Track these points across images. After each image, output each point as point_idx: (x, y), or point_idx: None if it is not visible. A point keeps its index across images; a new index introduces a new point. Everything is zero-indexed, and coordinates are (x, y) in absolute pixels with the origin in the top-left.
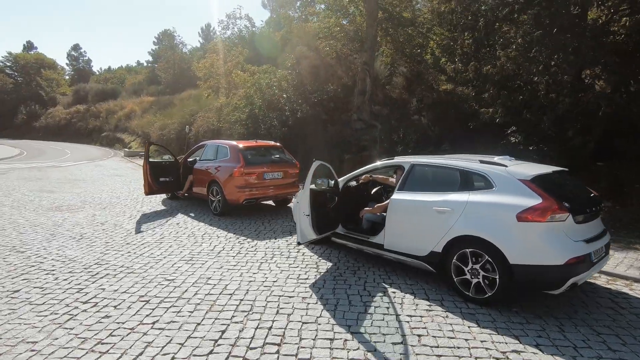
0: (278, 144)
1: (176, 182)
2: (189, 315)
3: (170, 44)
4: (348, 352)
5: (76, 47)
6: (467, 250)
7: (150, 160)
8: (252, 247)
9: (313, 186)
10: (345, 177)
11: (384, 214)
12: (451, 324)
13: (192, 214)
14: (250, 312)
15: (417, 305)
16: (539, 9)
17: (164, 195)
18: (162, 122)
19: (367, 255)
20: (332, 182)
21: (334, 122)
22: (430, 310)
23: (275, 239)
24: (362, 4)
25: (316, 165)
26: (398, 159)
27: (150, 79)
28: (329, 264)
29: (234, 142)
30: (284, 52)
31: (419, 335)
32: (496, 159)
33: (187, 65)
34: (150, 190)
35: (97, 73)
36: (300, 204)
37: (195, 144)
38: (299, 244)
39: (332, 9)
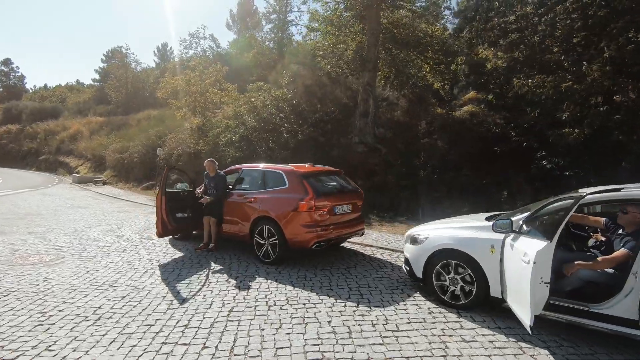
0: (337, 169)
1: (195, 219)
2: None
3: (122, 62)
4: None
5: (7, 62)
6: None
7: (168, 190)
8: (379, 318)
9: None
10: (523, 215)
11: (611, 270)
12: None
13: (232, 263)
14: None
15: None
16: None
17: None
18: (120, 144)
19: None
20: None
21: (331, 145)
22: None
23: (397, 303)
24: (362, 22)
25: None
26: (631, 191)
27: (98, 98)
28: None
29: (289, 167)
30: (275, 71)
31: None
32: None
33: (141, 85)
34: (164, 230)
35: (31, 90)
36: (539, 265)
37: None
38: (531, 329)
39: (335, 25)
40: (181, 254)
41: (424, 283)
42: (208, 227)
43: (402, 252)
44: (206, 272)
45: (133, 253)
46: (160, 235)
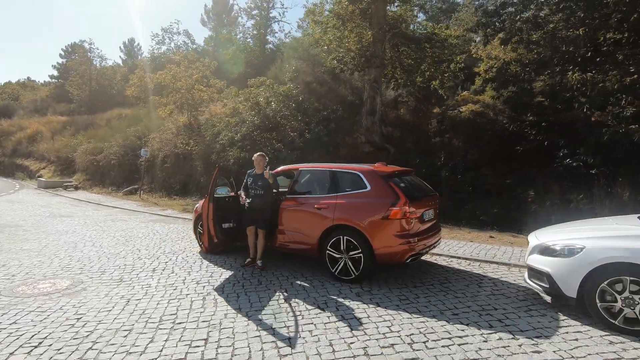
0: (409, 168)
1: (238, 229)
2: None
3: (84, 57)
4: None
5: None
6: None
7: (216, 195)
8: (562, 355)
9: None
10: None
11: None
12: None
13: (301, 282)
14: None
15: None
16: None
17: (194, 247)
18: (92, 145)
19: None
20: None
21: (336, 144)
22: None
23: (555, 331)
24: (368, 17)
25: None
26: None
27: (57, 96)
28: None
29: (364, 166)
30: (274, 65)
31: None
32: None
33: (107, 82)
34: (210, 245)
35: None
36: None
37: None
38: None
39: (341, 18)
40: (229, 272)
41: (577, 304)
42: (254, 240)
43: (476, 260)
44: (282, 297)
45: (168, 273)
46: (207, 250)
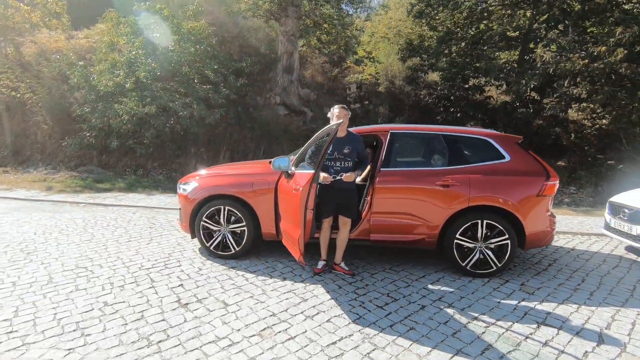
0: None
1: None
2: None
3: None
4: None
5: None
6: None
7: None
8: None
9: None
10: None
11: None
12: None
13: (425, 292)
14: None
15: None
16: None
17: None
18: None
19: None
20: None
21: (246, 105)
22: None
23: None
24: None
25: None
26: None
27: None
28: None
29: (487, 130)
30: None
31: None
32: None
33: None
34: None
35: None
36: None
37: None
38: None
39: None
40: (321, 289)
41: None
42: (328, 235)
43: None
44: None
45: (214, 305)
46: (302, 259)
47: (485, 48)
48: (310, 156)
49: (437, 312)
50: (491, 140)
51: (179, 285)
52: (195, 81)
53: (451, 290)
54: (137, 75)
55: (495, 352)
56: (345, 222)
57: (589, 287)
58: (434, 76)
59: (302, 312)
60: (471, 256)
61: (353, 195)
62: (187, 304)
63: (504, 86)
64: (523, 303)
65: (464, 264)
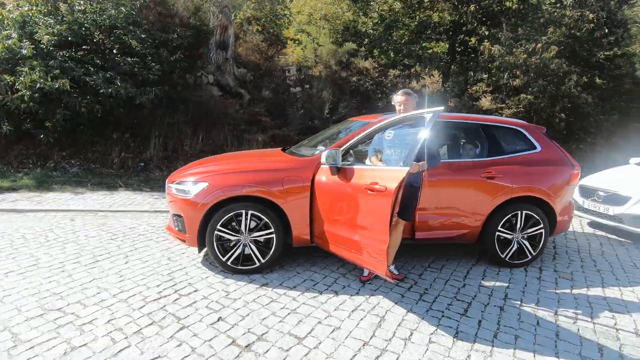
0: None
1: None
2: None
3: None
4: None
5: None
6: None
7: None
8: None
9: None
10: None
11: None
12: None
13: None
14: None
15: None
16: None
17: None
18: None
19: None
20: None
21: (173, 83)
22: None
23: None
24: None
25: None
26: None
27: None
28: None
29: (516, 120)
30: None
31: None
32: None
33: None
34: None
35: None
36: None
37: None
38: None
39: None
40: (387, 301)
41: None
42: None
43: None
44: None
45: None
46: (389, 272)
47: (424, 37)
48: (378, 149)
49: (519, 313)
50: (524, 131)
51: (218, 320)
52: (115, 52)
53: (506, 284)
54: (38, 38)
55: (610, 351)
56: (401, 224)
57: (605, 267)
58: (364, 62)
59: (395, 335)
60: (510, 247)
61: (415, 193)
62: (249, 345)
63: (436, 76)
64: (575, 291)
65: (503, 256)
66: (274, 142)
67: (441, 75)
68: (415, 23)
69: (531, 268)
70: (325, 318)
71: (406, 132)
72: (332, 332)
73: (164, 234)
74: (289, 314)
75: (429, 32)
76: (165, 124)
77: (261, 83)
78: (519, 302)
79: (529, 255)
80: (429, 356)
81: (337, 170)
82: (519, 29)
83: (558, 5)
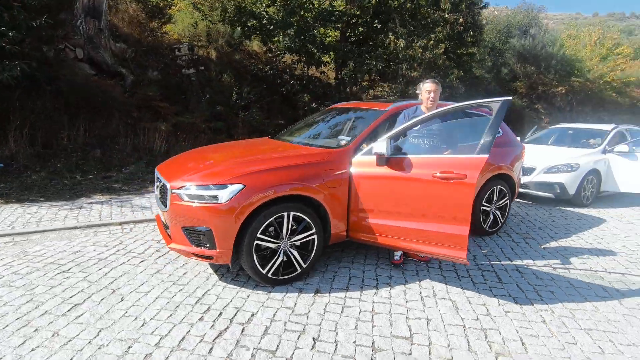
0: None
1: None
2: None
3: None
4: None
5: None
6: None
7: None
8: None
9: None
10: None
11: None
12: None
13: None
14: None
15: None
16: None
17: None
18: None
19: None
20: None
21: (25, 57)
22: None
23: None
24: None
25: None
26: None
27: None
28: None
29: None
30: None
31: None
32: None
33: None
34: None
35: None
36: None
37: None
38: None
39: None
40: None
41: (574, 198)
42: None
43: None
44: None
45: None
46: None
47: (320, 23)
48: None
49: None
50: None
51: (315, 342)
52: None
53: (505, 250)
54: None
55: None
56: None
57: (541, 226)
58: (253, 45)
59: (477, 314)
60: (488, 219)
61: None
62: None
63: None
64: (551, 244)
65: (483, 225)
66: (182, 132)
67: (336, 64)
68: (318, 9)
69: (504, 234)
70: (408, 311)
71: (453, 123)
72: (428, 324)
73: (131, 253)
74: (373, 316)
75: (333, 17)
76: (29, 110)
77: (146, 62)
78: (524, 267)
79: (499, 222)
80: (517, 325)
81: (386, 161)
82: (411, 26)
83: (435, 8)
